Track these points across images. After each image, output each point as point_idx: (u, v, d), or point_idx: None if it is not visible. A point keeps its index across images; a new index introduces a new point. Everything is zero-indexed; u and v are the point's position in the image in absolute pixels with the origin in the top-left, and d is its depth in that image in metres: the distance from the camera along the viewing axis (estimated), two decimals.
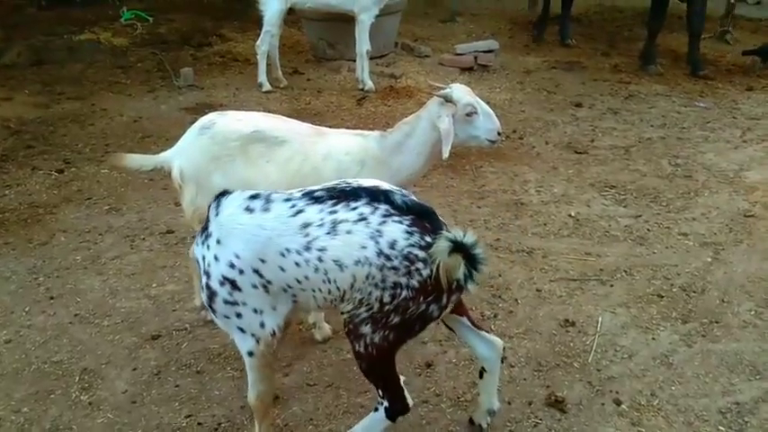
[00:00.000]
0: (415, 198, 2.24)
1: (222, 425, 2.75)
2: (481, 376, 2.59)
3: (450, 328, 2.56)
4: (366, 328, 2.19)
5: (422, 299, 2.14)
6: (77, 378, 2.99)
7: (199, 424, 2.75)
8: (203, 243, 2.28)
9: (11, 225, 4.21)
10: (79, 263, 3.85)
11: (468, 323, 2.50)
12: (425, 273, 2.11)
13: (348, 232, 2.11)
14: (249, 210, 2.21)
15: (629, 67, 7.40)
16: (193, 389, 2.94)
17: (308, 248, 2.13)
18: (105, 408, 2.83)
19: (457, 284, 2.15)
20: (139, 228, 4.21)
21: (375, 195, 2.17)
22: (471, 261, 2.08)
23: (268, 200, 2.22)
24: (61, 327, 3.32)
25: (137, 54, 7.46)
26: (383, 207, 2.14)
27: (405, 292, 2.12)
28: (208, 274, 2.25)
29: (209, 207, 2.31)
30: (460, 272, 2.09)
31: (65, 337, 3.24)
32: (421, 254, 2.10)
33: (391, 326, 2.17)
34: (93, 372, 3.03)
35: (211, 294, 2.25)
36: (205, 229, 2.30)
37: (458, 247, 2.06)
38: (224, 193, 2.30)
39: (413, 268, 2.10)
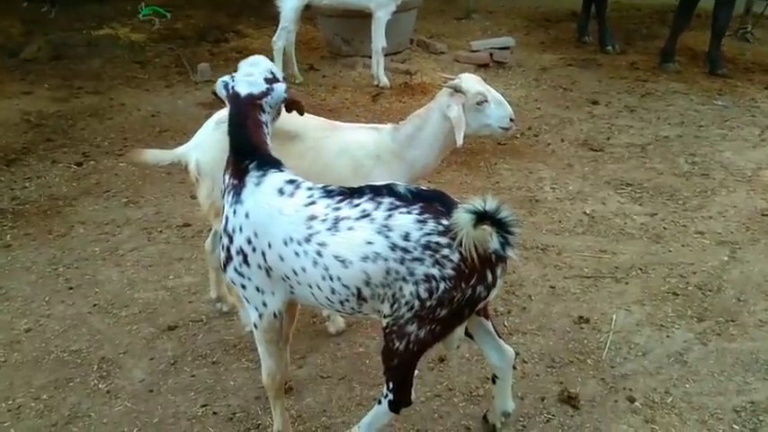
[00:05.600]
0: (422, 186, 2.18)
1: (237, 414, 2.78)
2: (494, 382, 2.57)
3: (469, 334, 2.46)
4: (411, 327, 2.09)
5: (464, 285, 2.03)
6: (96, 367, 3.04)
7: (214, 413, 2.79)
8: (232, 205, 2.23)
9: (31, 217, 4.28)
10: (98, 254, 3.90)
11: (490, 328, 2.45)
12: (456, 257, 2.00)
13: (350, 229, 2.06)
14: (281, 192, 2.19)
15: (647, 65, 7.33)
16: (209, 379, 2.98)
17: (308, 240, 2.10)
18: (123, 396, 2.88)
19: (496, 255, 2.03)
20: (157, 220, 4.26)
21: (378, 191, 2.12)
22: (501, 227, 1.97)
23: (298, 186, 2.20)
24: (80, 316, 3.37)
25: (154, 49, 7.53)
26: (387, 200, 2.07)
27: (442, 284, 2.00)
28: (230, 238, 2.24)
29: (249, 167, 2.22)
30: (495, 242, 1.98)
31: (83, 327, 3.30)
32: (443, 240, 2.00)
33: (439, 319, 2.07)
34: (111, 361, 3.08)
35: (228, 258, 2.27)
36: (239, 190, 2.22)
37: (482, 217, 1.95)
38: (270, 164, 2.24)
39: (439, 257, 2.00)
